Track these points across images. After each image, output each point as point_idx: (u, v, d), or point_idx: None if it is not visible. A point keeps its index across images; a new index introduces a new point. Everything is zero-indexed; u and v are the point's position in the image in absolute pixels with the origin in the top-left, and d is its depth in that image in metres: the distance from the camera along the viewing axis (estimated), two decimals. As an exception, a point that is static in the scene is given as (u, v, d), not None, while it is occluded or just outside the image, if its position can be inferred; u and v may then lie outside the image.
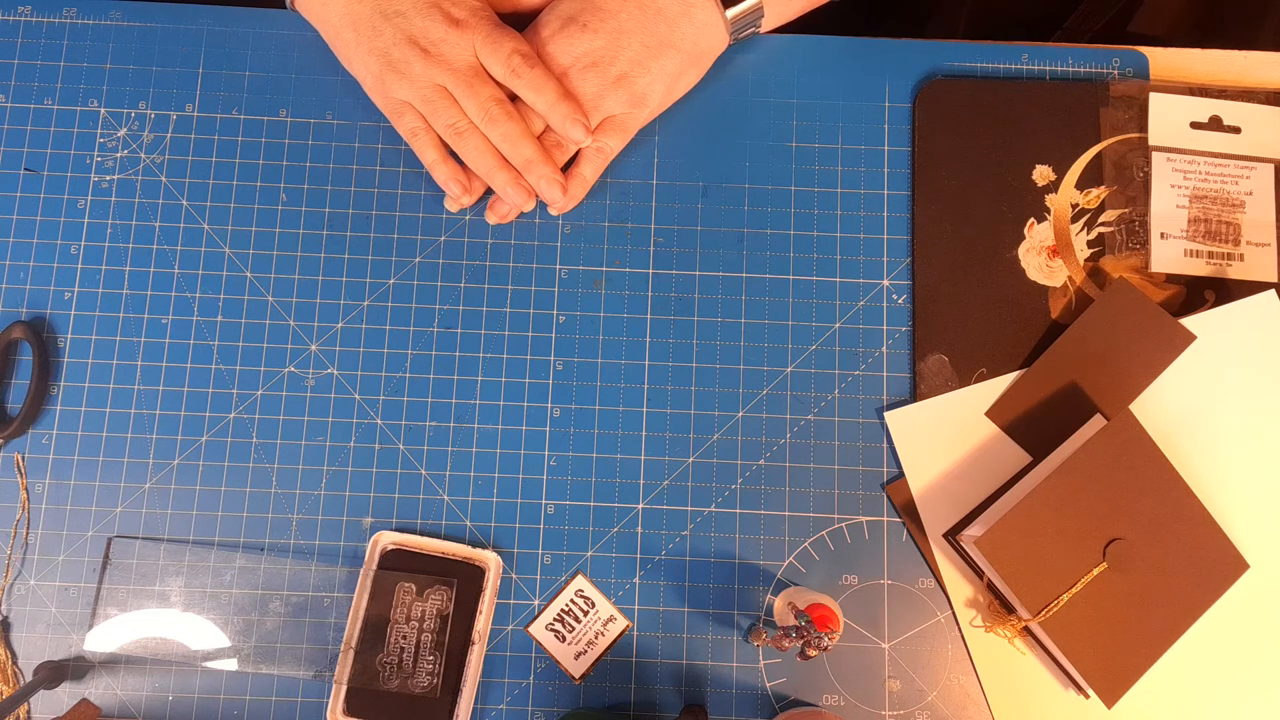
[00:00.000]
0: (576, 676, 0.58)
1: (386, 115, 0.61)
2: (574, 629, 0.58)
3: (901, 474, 0.60)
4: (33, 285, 0.62)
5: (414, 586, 0.58)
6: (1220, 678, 0.58)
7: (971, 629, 0.58)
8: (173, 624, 0.58)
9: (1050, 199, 0.63)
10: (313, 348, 0.62)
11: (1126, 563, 0.53)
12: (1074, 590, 0.53)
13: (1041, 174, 0.63)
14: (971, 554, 0.57)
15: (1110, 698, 0.54)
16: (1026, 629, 0.56)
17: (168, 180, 0.63)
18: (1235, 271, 0.62)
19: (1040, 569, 0.53)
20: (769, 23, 0.63)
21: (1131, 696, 0.55)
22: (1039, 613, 0.53)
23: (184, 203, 0.63)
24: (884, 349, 0.62)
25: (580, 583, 0.59)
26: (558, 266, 0.63)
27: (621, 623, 0.59)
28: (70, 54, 0.65)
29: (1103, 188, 0.63)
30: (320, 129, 0.64)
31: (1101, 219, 0.63)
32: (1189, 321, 0.60)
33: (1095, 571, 0.53)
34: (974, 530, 0.56)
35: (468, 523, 0.60)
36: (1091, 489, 0.54)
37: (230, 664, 0.58)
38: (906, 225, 0.63)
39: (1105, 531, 0.54)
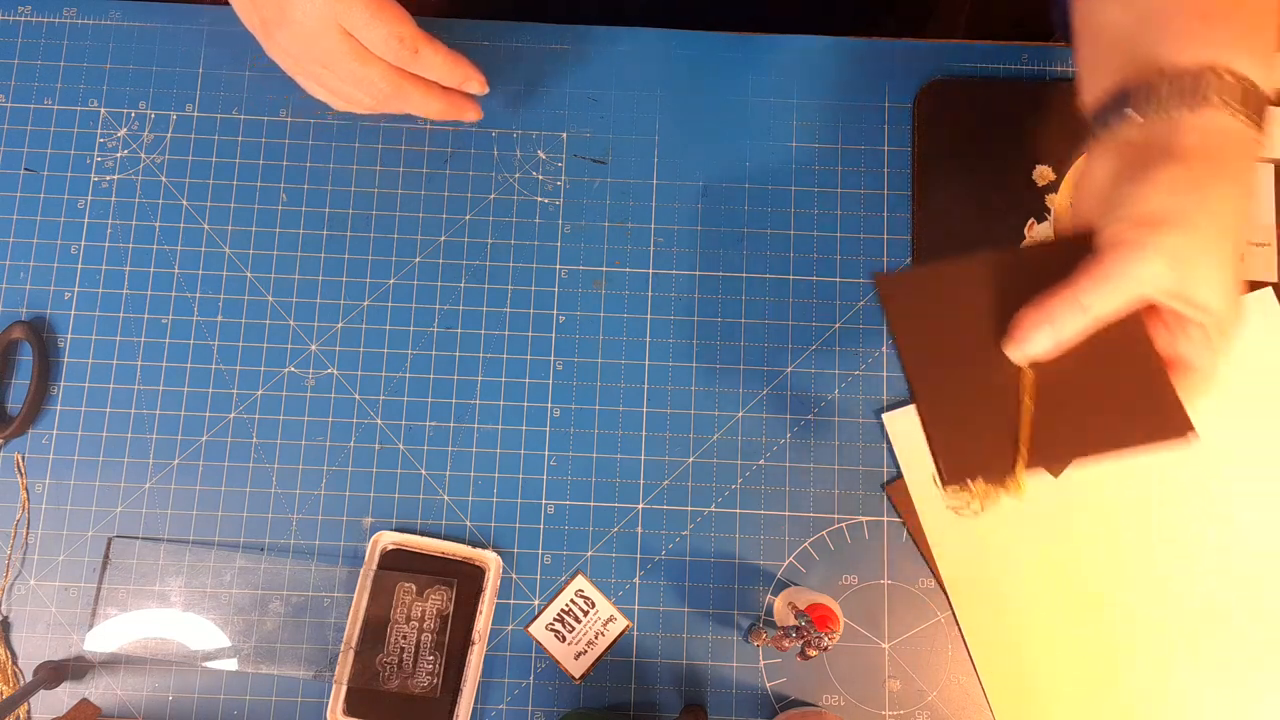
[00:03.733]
0: (576, 676, 0.58)
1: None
2: (574, 629, 0.58)
3: (901, 474, 0.60)
4: (33, 285, 0.62)
5: (414, 586, 0.58)
6: (1221, 677, 0.58)
7: (972, 630, 0.58)
8: (173, 624, 0.58)
9: (1050, 199, 0.63)
10: (313, 348, 0.62)
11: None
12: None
13: (1041, 174, 0.63)
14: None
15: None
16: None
17: (168, 180, 0.63)
18: (1235, 271, 0.62)
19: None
20: None
21: (1133, 697, 0.55)
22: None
23: (184, 203, 0.63)
24: (884, 349, 0.62)
25: (580, 583, 0.59)
26: (558, 266, 0.63)
27: (621, 623, 0.59)
28: (70, 54, 0.65)
29: (1103, 188, 0.63)
30: (320, 129, 0.64)
31: (1101, 219, 0.63)
32: (1189, 321, 0.60)
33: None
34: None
35: (468, 523, 0.60)
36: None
37: (230, 664, 0.58)
38: (906, 225, 0.63)
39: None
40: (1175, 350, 0.45)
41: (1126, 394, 0.45)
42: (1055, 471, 0.45)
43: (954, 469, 0.44)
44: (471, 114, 0.58)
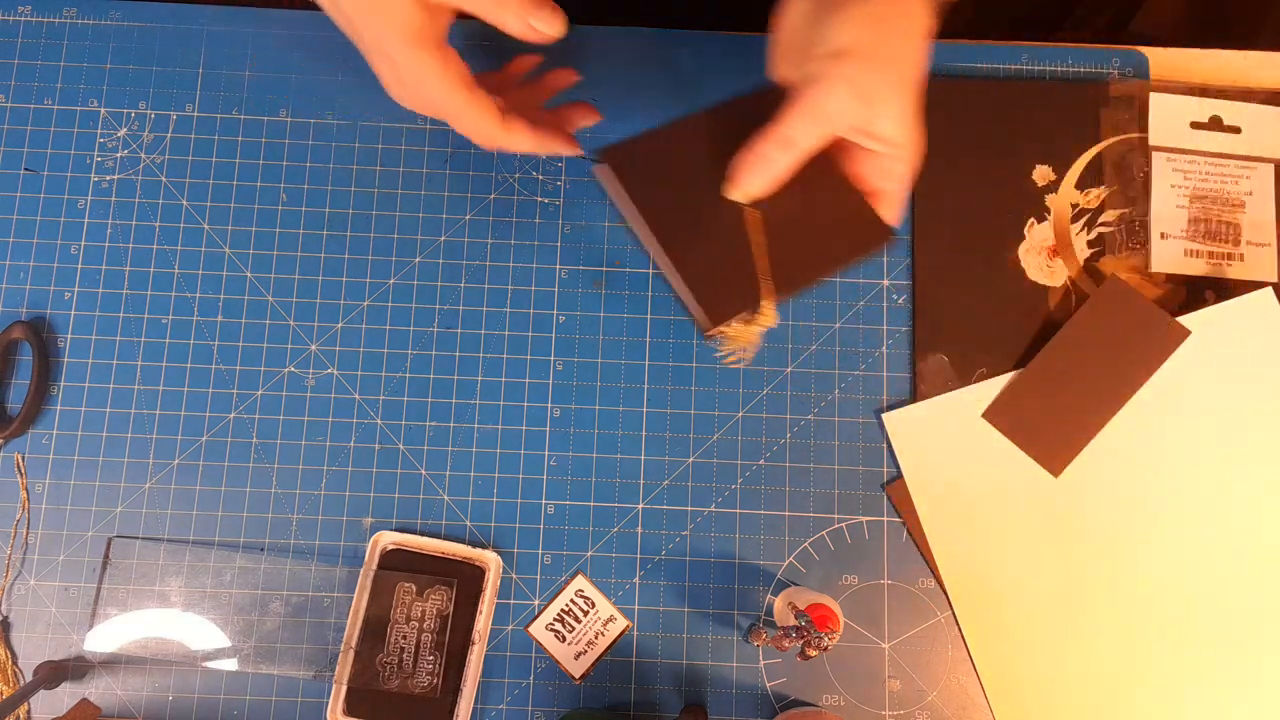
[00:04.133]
0: (576, 676, 0.58)
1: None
2: (574, 629, 0.58)
3: (901, 474, 0.60)
4: (33, 285, 0.62)
5: (414, 586, 0.58)
6: (1221, 677, 0.58)
7: (972, 630, 0.58)
8: (173, 624, 0.58)
9: (1050, 199, 0.63)
10: (313, 348, 0.62)
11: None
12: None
13: (1041, 174, 0.63)
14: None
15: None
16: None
17: (168, 180, 0.63)
18: (1235, 271, 0.62)
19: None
20: None
21: (1133, 696, 0.55)
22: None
23: (184, 203, 0.63)
24: (884, 349, 0.62)
25: (580, 583, 0.59)
26: (558, 266, 0.63)
27: (621, 623, 0.59)
28: (70, 54, 0.65)
29: (1103, 188, 0.63)
30: (320, 129, 0.64)
31: (1101, 219, 0.63)
32: (1186, 319, 0.60)
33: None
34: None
35: (468, 523, 0.60)
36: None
37: (230, 664, 0.58)
38: (907, 225, 0.63)
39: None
40: (868, 179, 0.50)
41: (835, 217, 0.49)
42: (788, 294, 0.48)
43: (714, 314, 0.47)
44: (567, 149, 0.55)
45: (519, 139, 0.51)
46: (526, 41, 0.47)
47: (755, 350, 0.49)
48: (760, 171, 0.47)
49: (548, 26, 0.47)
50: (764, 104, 0.48)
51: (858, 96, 0.46)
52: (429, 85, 0.48)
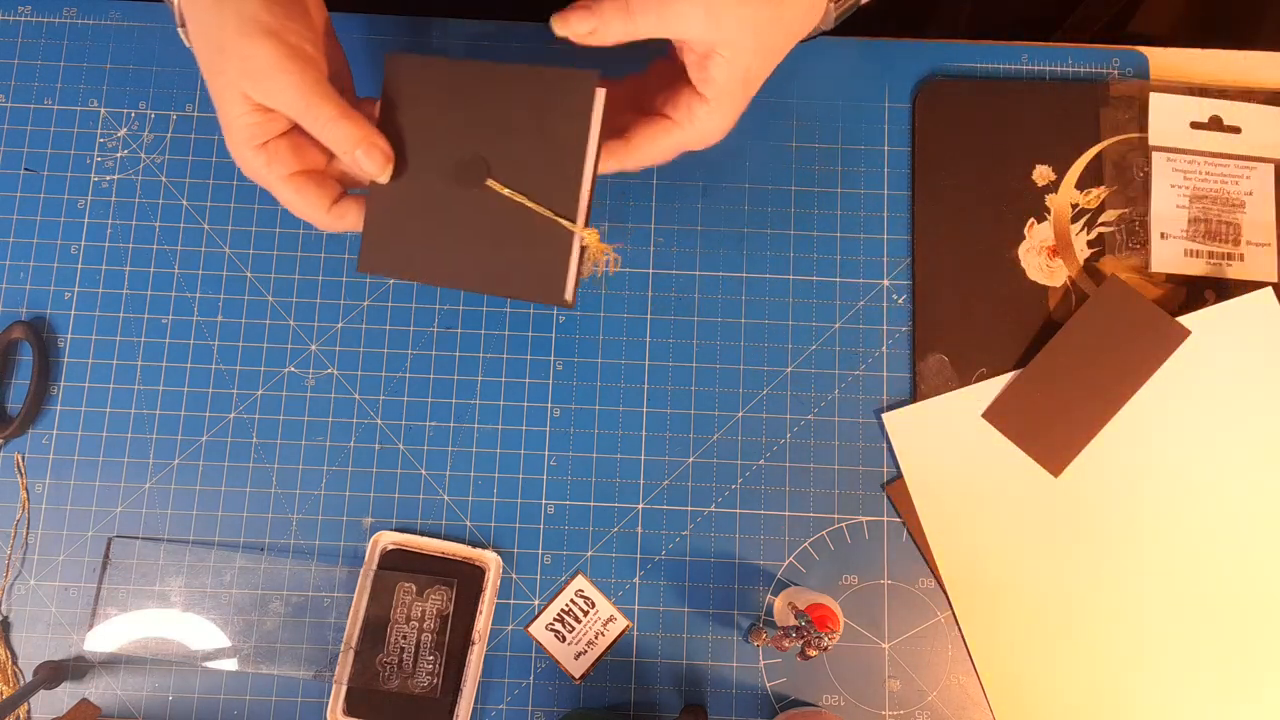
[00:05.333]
0: (576, 676, 0.58)
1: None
2: (574, 629, 0.58)
3: (901, 474, 0.60)
4: (33, 285, 0.62)
5: (414, 586, 0.58)
6: (1220, 677, 0.58)
7: (972, 630, 0.58)
8: (173, 624, 0.58)
9: (1050, 199, 0.63)
10: (313, 348, 0.62)
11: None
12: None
13: (1041, 174, 0.63)
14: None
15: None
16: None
17: (168, 180, 0.63)
18: (1235, 271, 0.62)
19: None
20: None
21: (1133, 696, 0.55)
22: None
23: (184, 203, 0.63)
24: (884, 349, 0.62)
25: (580, 583, 0.59)
26: (558, 266, 0.63)
27: (621, 623, 0.59)
28: (70, 54, 0.65)
29: (1103, 188, 0.63)
30: (320, 129, 0.64)
31: (1101, 219, 0.63)
32: (1186, 319, 0.60)
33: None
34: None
35: (468, 523, 0.60)
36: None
37: (230, 664, 0.58)
38: (906, 225, 0.63)
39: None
40: (664, 105, 0.50)
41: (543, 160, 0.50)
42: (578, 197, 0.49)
43: (556, 284, 0.49)
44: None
45: (350, 222, 0.52)
46: (350, 173, 0.50)
47: (605, 255, 0.51)
48: (590, 22, 0.47)
49: (370, 164, 0.48)
50: (555, 86, 0.49)
51: (708, 11, 0.46)
52: (256, 176, 0.50)
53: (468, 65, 0.51)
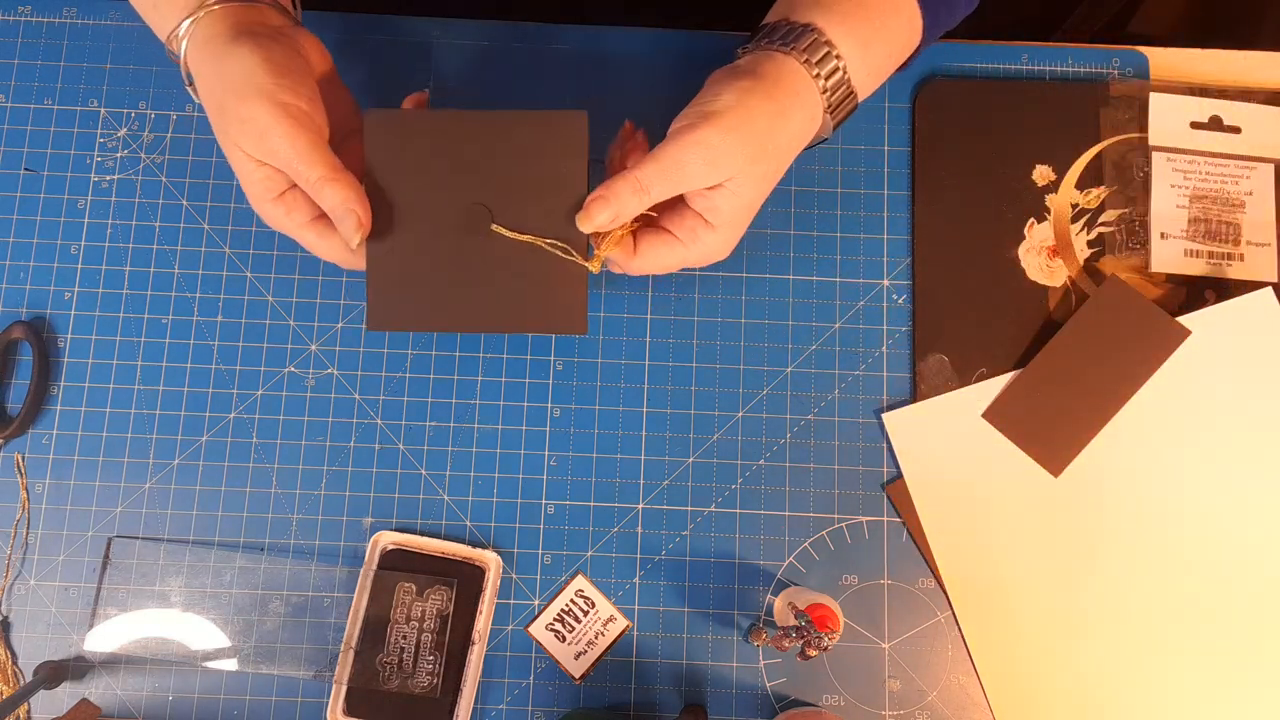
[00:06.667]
0: (576, 676, 0.58)
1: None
2: (574, 629, 0.58)
3: (901, 474, 0.60)
4: (33, 285, 0.62)
5: (414, 586, 0.58)
6: (1220, 677, 0.58)
7: (972, 630, 0.58)
8: (173, 624, 0.58)
9: (1050, 199, 0.63)
10: (313, 348, 0.62)
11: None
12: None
13: (1041, 174, 0.63)
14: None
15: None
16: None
17: (168, 180, 0.63)
18: (1235, 271, 0.62)
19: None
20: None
21: (1133, 696, 0.55)
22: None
23: (184, 203, 0.63)
24: (884, 349, 0.62)
25: (580, 583, 0.59)
26: (558, 266, 0.62)
27: (621, 623, 0.59)
28: (70, 54, 0.65)
29: (1103, 188, 0.63)
30: (320, 129, 0.64)
31: (1101, 219, 0.63)
32: (1186, 319, 0.60)
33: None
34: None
35: (468, 523, 0.60)
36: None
37: (230, 664, 0.58)
38: (906, 225, 0.63)
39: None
40: (668, 222, 0.52)
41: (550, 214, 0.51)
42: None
43: (578, 314, 0.52)
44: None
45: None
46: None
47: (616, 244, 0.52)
48: (609, 212, 0.49)
49: (344, 229, 0.49)
50: (550, 129, 0.50)
51: (709, 162, 0.48)
52: (278, 226, 0.51)
53: (448, 115, 0.53)
